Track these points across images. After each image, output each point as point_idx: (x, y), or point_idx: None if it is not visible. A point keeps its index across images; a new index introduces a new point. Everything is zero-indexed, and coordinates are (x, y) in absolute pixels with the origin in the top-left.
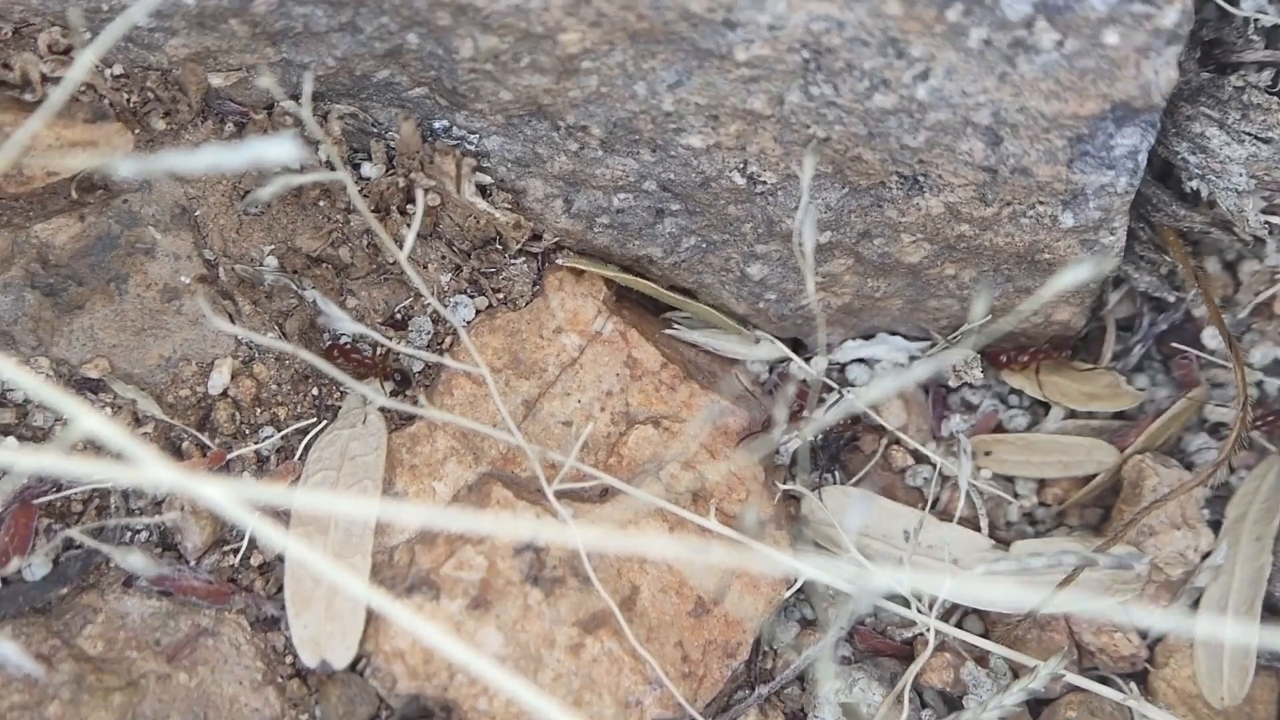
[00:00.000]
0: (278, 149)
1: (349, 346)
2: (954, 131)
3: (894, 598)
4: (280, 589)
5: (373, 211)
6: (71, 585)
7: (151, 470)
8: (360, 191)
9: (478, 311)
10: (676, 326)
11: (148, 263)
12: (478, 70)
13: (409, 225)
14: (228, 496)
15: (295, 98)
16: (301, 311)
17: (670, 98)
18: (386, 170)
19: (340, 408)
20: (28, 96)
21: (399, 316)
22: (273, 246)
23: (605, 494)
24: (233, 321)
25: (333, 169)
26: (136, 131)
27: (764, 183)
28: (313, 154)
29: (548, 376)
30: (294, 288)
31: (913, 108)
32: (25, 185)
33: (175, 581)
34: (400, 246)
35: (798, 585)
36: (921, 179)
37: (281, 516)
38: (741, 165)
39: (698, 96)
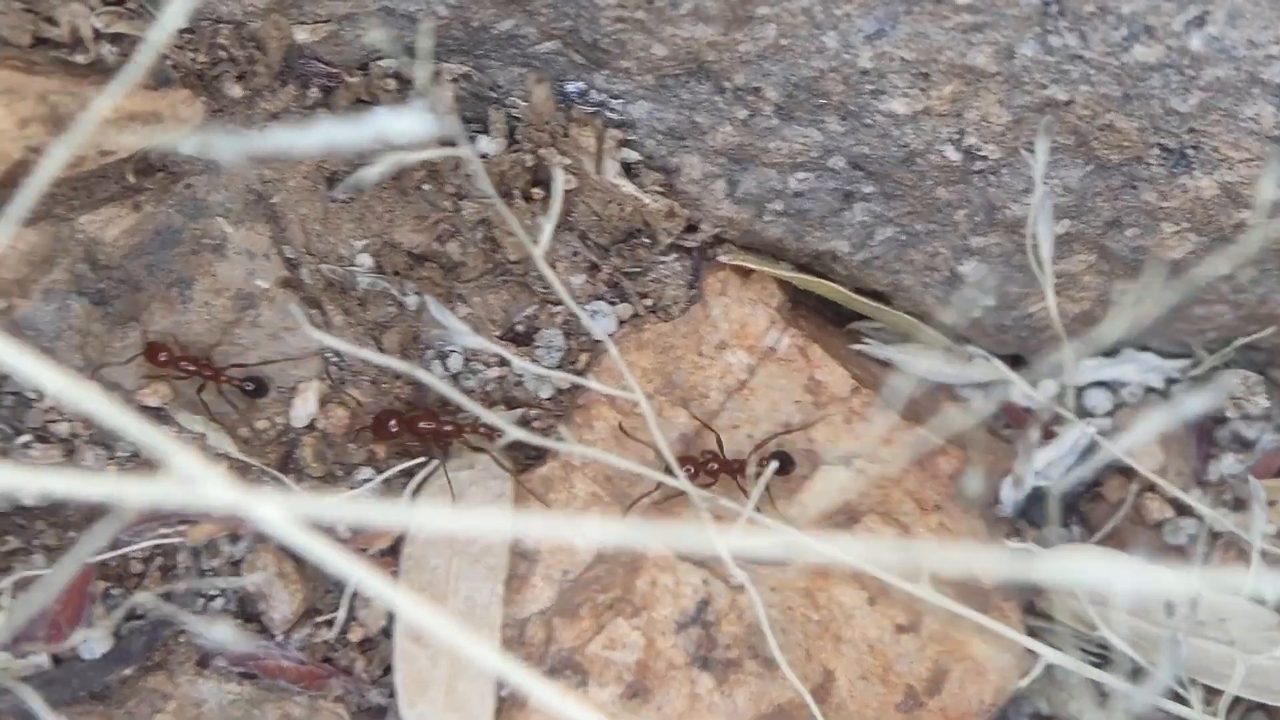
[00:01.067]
0: (408, 122)
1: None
2: (1236, 92)
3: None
4: (387, 671)
5: (489, 198)
6: (135, 665)
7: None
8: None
9: (620, 322)
10: (867, 340)
11: (216, 262)
12: (626, 19)
13: (535, 214)
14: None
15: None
16: (402, 322)
17: (868, 51)
18: (509, 145)
19: (453, 442)
20: (79, 58)
21: (521, 328)
22: (366, 241)
23: (784, 556)
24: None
25: (451, 144)
26: (204, 99)
27: (984, 158)
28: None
29: (710, 404)
30: (393, 293)
31: (1183, 62)
32: (73, 167)
33: (261, 661)
34: (533, 239)
35: (1036, 672)
36: (1191, 152)
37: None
38: (956, 136)
39: (904, 50)
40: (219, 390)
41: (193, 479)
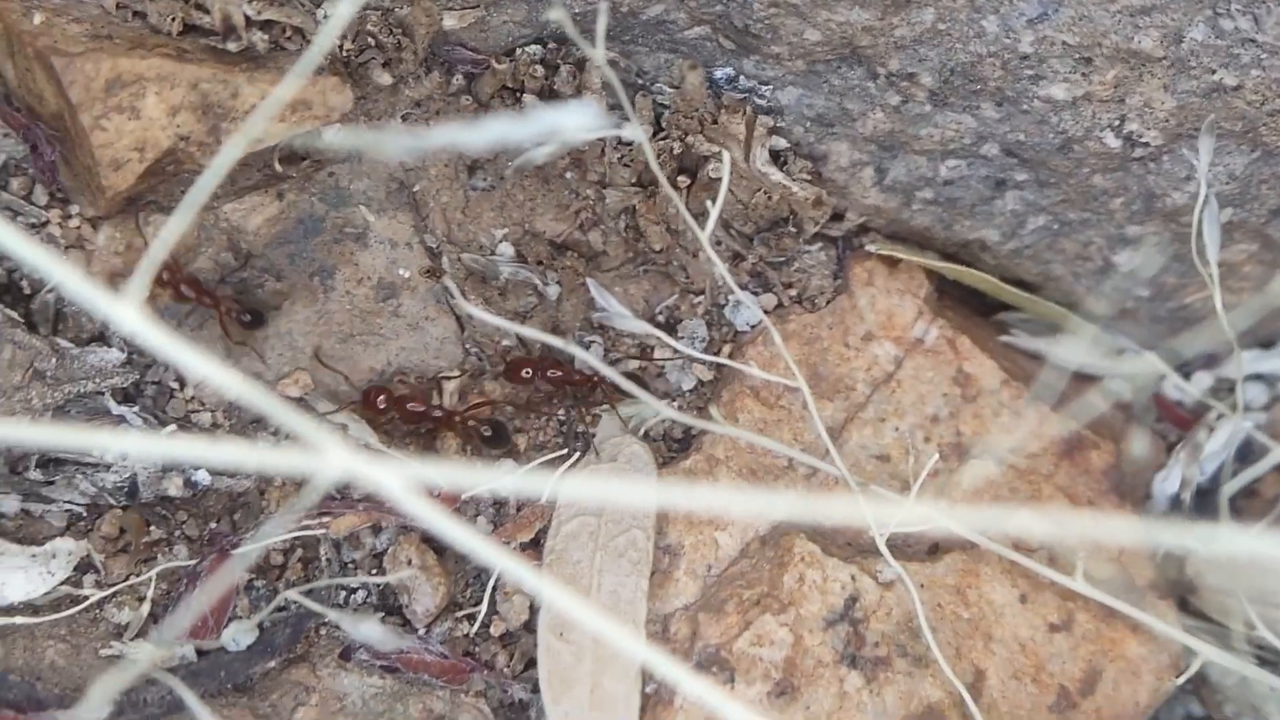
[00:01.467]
0: (579, 117)
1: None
2: None
3: None
4: (528, 666)
5: (634, 186)
6: (279, 657)
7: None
8: (620, 160)
9: (765, 312)
10: (1014, 332)
11: (358, 252)
12: (780, 3)
13: (679, 203)
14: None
15: (541, 41)
16: (542, 312)
17: (1030, 36)
18: (655, 132)
19: (593, 435)
20: (230, 45)
21: (662, 319)
22: (507, 230)
23: (934, 550)
24: (461, 328)
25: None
26: (350, 86)
27: (1145, 145)
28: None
29: (856, 397)
30: (535, 282)
31: None
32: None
33: (403, 655)
34: (677, 228)
35: (1191, 671)
36: None
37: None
38: (1117, 122)
39: (1066, 34)
40: (221, 320)
41: (337, 455)
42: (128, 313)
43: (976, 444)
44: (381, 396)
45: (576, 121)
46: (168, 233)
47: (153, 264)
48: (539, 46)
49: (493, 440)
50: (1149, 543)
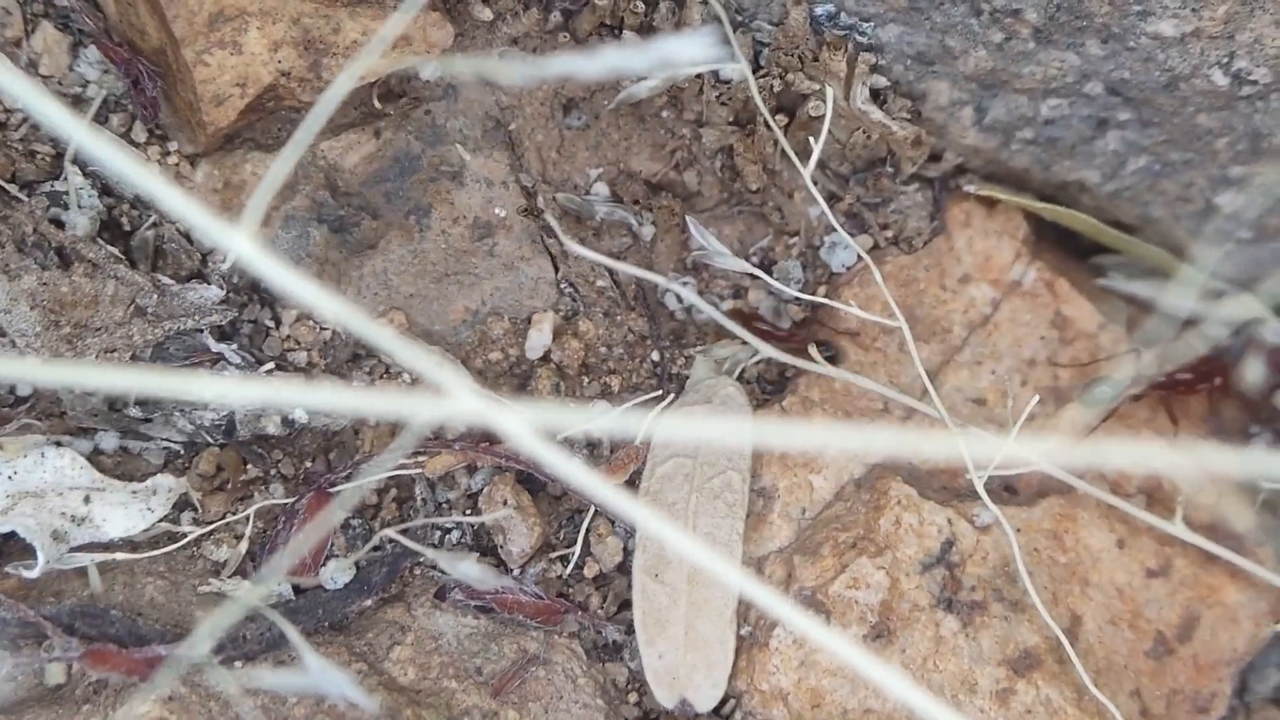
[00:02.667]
0: (693, 46)
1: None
2: None
3: None
4: (621, 608)
5: (731, 125)
6: (375, 596)
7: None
8: (718, 99)
9: (860, 254)
10: (1112, 275)
11: (454, 190)
12: None
13: (778, 142)
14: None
15: None
16: (637, 252)
17: None
18: (754, 70)
19: (687, 377)
20: None
21: (756, 260)
22: (601, 169)
23: (1029, 496)
24: (556, 268)
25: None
26: (451, 22)
27: (1253, 83)
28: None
29: (953, 339)
30: (630, 221)
31: None
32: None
33: (498, 596)
34: (774, 167)
35: None
36: None
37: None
38: (1226, 59)
39: None
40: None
41: (447, 392)
42: (243, 242)
43: (1074, 387)
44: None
45: (688, 53)
46: (276, 170)
47: (268, 194)
48: None
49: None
50: (1249, 481)
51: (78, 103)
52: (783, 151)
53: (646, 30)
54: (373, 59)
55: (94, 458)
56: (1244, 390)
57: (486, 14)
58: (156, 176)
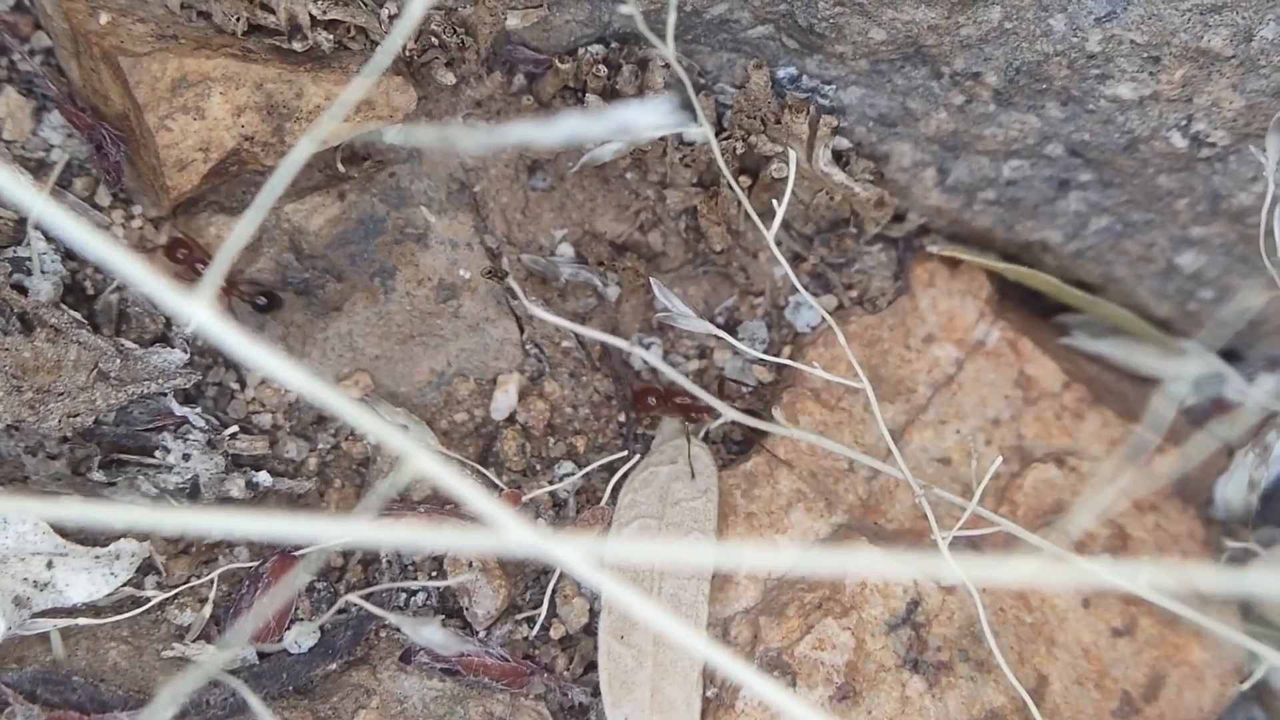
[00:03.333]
0: (652, 114)
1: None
2: None
3: None
4: (588, 669)
5: (695, 186)
6: (340, 660)
7: (515, 535)
8: (681, 160)
9: (823, 315)
10: (1076, 334)
11: (419, 252)
12: (846, 2)
13: (741, 203)
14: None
15: (604, 41)
16: (602, 313)
17: (1098, 34)
18: (718, 132)
19: (653, 437)
20: (295, 45)
21: (721, 320)
22: (566, 230)
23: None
24: (521, 329)
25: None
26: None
27: (1211, 145)
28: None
29: (917, 399)
30: (595, 283)
31: None
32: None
33: (464, 659)
34: (738, 228)
35: (1256, 677)
36: None
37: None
38: (1184, 122)
39: (1135, 33)
40: (230, 303)
41: (494, 524)
42: (200, 310)
43: (1038, 446)
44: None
45: (647, 119)
46: (238, 233)
47: (224, 263)
48: (601, 46)
49: None
50: (1213, 548)
51: (41, 167)
52: (746, 213)
53: (610, 94)
54: (334, 123)
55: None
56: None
57: (450, 78)
58: (113, 244)
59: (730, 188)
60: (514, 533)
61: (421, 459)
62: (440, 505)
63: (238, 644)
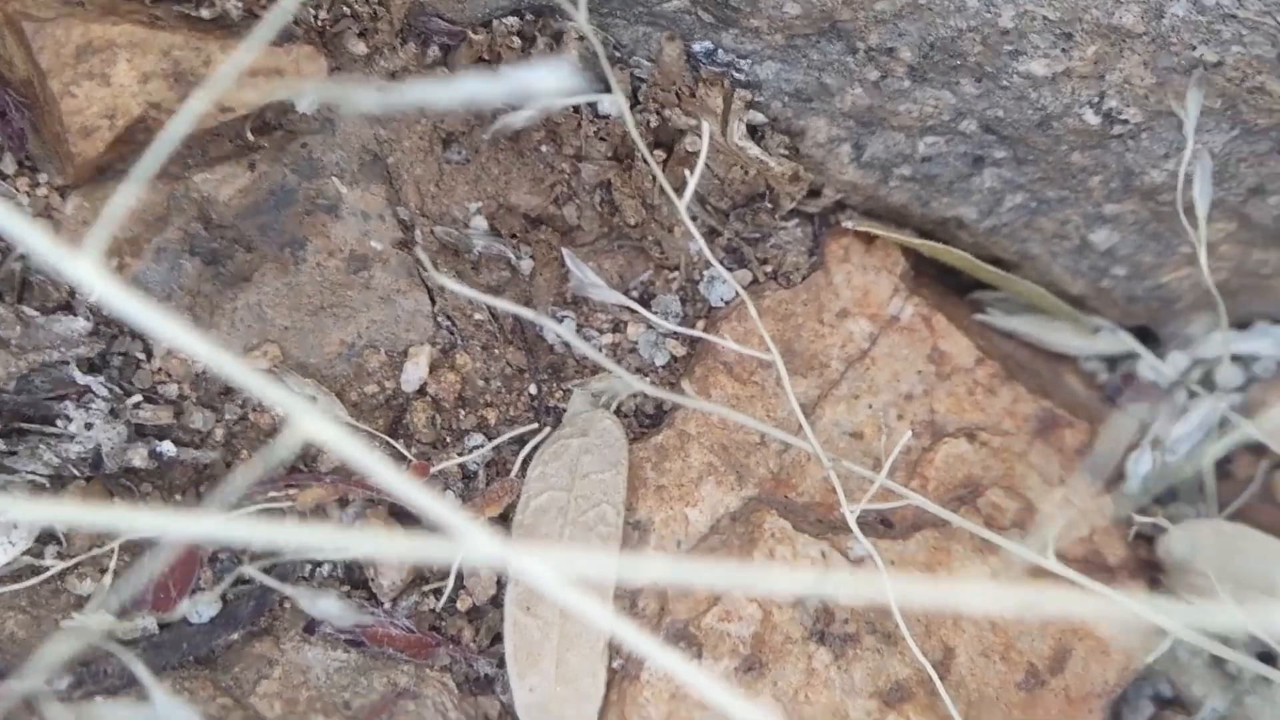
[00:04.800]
0: (551, 75)
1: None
2: None
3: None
4: (494, 641)
5: (610, 160)
6: (242, 630)
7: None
8: (596, 134)
9: (740, 288)
10: (990, 310)
11: (330, 223)
12: None
13: (655, 177)
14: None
15: (518, 13)
16: (516, 285)
17: (1010, 10)
18: (632, 106)
19: (564, 410)
20: (204, 13)
21: (636, 294)
22: (481, 203)
23: (904, 529)
24: (432, 301)
25: (601, 94)
26: (325, 56)
27: (1124, 121)
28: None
29: (830, 374)
30: (508, 256)
31: None
32: (194, 124)
33: (369, 630)
34: (653, 202)
35: (1163, 648)
36: None
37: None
38: (1096, 99)
39: (1047, 9)
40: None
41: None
42: (85, 267)
43: (950, 422)
44: None
45: (549, 82)
46: (126, 192)
47: (112, 221)
48: (516, 18)
49: None
50: (1120, 521)
51: None
52: (661, 187)
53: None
54: (222, 86)
55: None
56: (1107, 439)
57: (362, 48)
58: (15, 212)
59: (644, 161)
60: (313, 428)
61: (310, 422)
62: (348, 476)
63: (138, 614)
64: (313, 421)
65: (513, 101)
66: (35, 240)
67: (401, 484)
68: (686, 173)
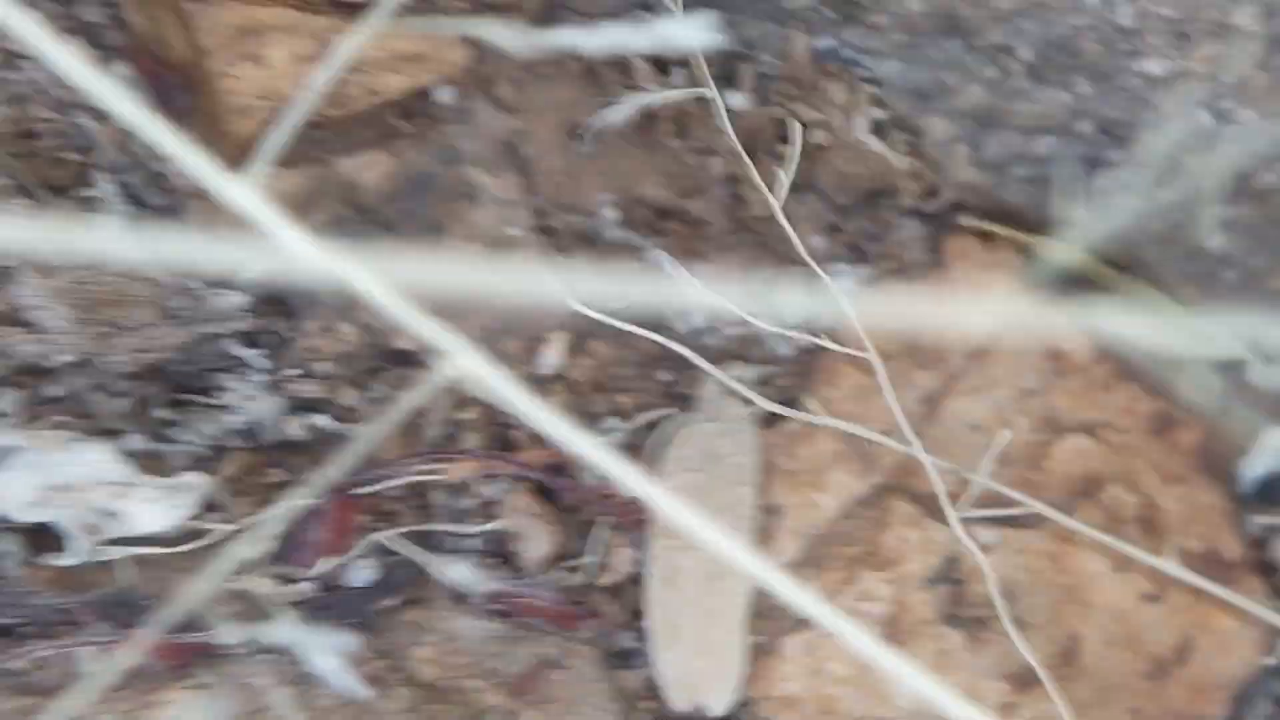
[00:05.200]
0: (691, 30)
1: None
2: None
3: None
4: (635, 616)
5: (736, 153)
6: (398, 597)
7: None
8: (720, 129)
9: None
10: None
11: (469, 210)
12: None
13: (779, 173)
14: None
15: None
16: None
17: (1130, 9)
18: (759, 101)
19: (695, 398)
20: None
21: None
22: (611, 195)
23: (1029, 519)
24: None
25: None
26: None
27: (1238, 124)
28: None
29: (951, 368)
30: (636, 247)
31: None
32: (341, 108)
33: (516, 601)
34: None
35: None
36: None
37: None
38: (1211, 100)
39: (1165, 7)
40: None
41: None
42: (245, 191)
43: (1069, 417)
44: None
45: (687, 35)
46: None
47: (274, 149)
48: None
49: None
50: (1237, 522)
51: (99, 118)
52: (793, 176)
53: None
54: (340, 68)
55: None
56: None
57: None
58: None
59: (769, 154)
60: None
61: (463, 356)
62: (497, 453)
63: (298, 578)
64: (465, 356)
65: (657, 50)
66: (195, 162)
67: (558, 426)
68: (814, 169)
